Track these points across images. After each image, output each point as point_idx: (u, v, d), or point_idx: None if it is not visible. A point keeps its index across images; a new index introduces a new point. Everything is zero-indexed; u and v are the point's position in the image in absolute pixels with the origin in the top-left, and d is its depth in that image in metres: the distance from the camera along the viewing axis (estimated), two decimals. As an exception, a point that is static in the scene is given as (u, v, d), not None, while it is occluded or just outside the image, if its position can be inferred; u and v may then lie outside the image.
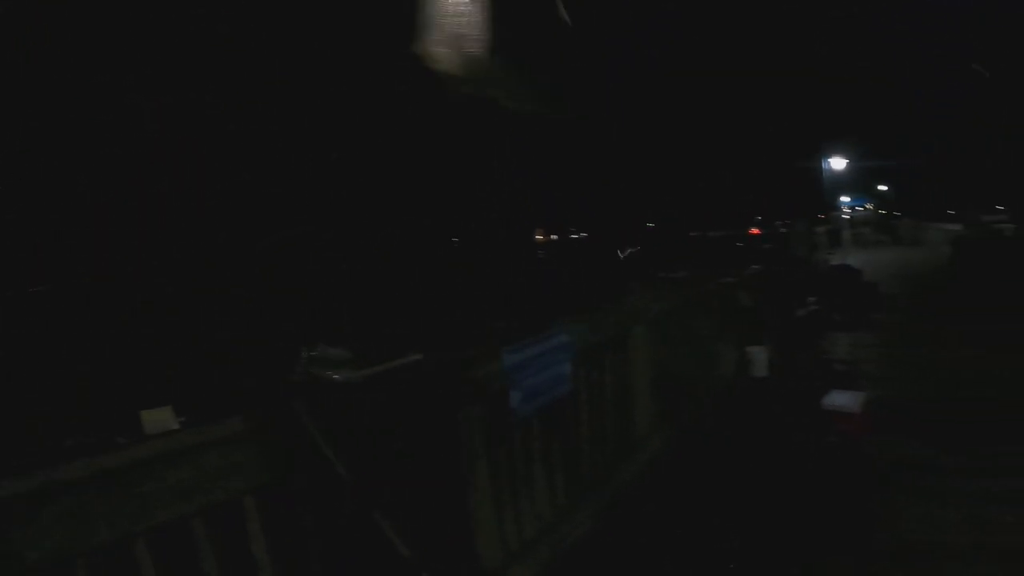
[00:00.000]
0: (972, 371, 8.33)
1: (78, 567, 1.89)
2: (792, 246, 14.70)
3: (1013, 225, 25.93)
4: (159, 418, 2.24)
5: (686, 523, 4.59)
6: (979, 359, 8.86)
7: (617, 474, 4.95)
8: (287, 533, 2.41)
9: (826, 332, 10.90)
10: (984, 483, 5.02)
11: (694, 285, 6.98)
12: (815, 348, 9.56)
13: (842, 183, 46.06)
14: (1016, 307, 11.55)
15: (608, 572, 4.15)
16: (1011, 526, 4.41)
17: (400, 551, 2.58)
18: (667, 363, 5.90)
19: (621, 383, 5.18)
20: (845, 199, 50.48)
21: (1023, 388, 7.31)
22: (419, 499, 3.00)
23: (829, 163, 42.26)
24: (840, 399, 6.05)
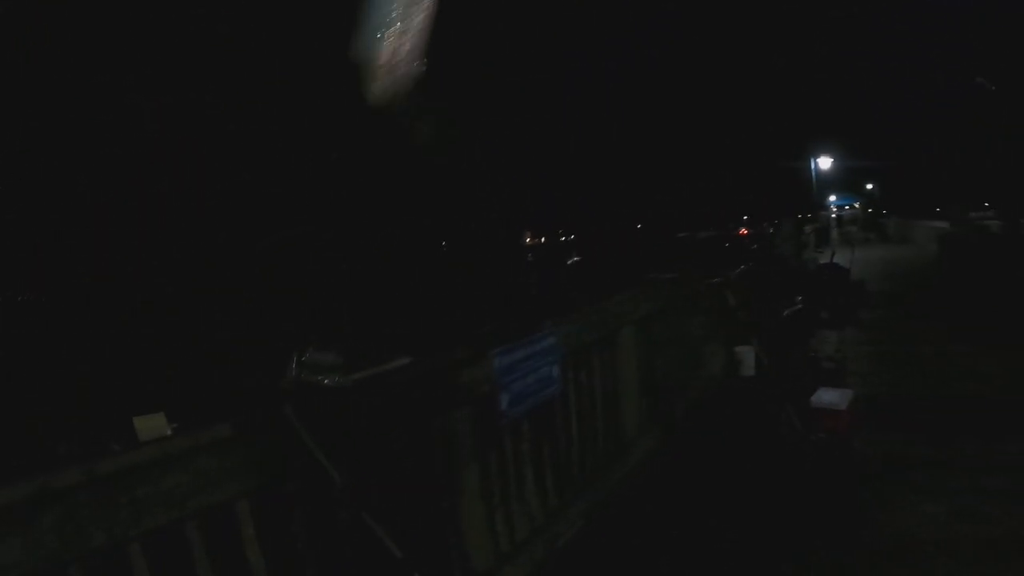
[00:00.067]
0: (959, 367, 8.39)
1: (73, 572, 1.91)
2: (779, 246, 14.74)
3: (999, 221, 26.03)
4: (152, 424, 2.26)
5: (679, 522, 4.62)
6: (966, 355, 8.92)
7: (609, 474, 4.98)
8: (281, 537, 2.44)
9: (814, 331, 10.97)
10: (972, 478, 5.07)
11: (681, 286, 7.00)
12: (803, 347, 9.61)
13: (830, 182, 46.33)
14: (1003, 303, 11.62)
15: (601, 572, 4.18)
16: (999, 520, 4.45)
17: (393, 553, 2.61)
18: (656, 364, 5.94)
19: (610, 384, 5.21)
20: (833, 198, 50.73)
21: (1010, 383, 7.38)
22: (410, 502, 3.03)
23: (817, 163, 42.48)
24: (828, 397, 6.09)
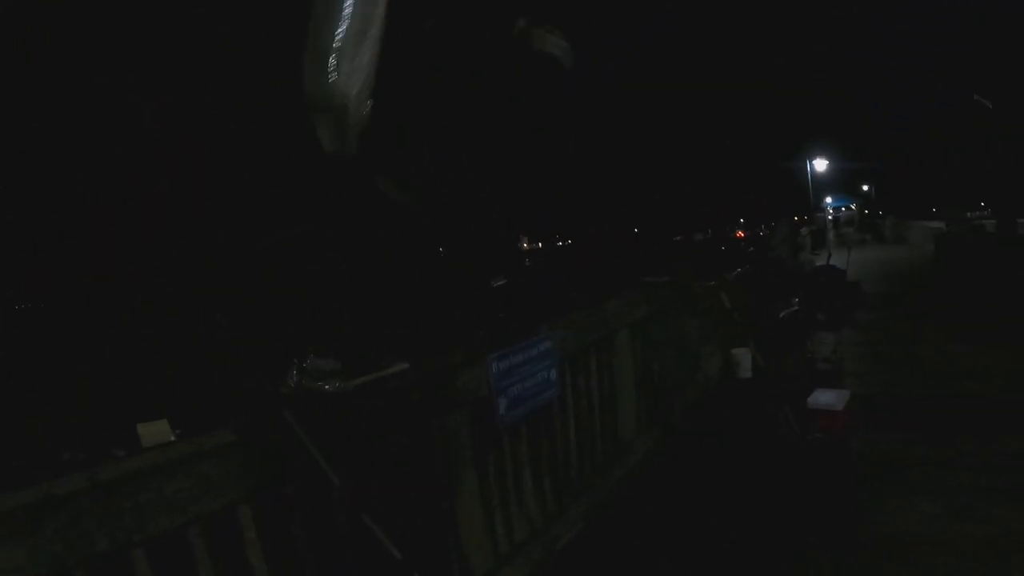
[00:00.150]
0: (957, 367, 8.41)
1: (78, 577, 1.94)
2: (775, 248, 14.78)
3: (995, 221, 26.11)
4: (155, 431, 2.28)
5: (678, 523, 4.65)
6: (964, 355, 8.94)
7: (607, 476, 5.00)
8: (282, 540, 2.46)
9: (810, 332, 10.99)
10: (970, 477, 5.08)
11: (678, 289, 7.04)
12: (800, 348, 9.64)
13: (826, 184, 46.40)
14: (999, 302, 11.67)
15: (600, 574, 4.21)
16: (997, 519, 4.47)
17: (392, 555, 2.63)
18: (653, 366, 5.96)
19: (608, 386, 5.24)
20: (829, 200, 50.79)
21: (1007, 383, 7.40)
22: (409, 504, 3.06)
23: (813, 164, 42.55)
24: (824, 398, 6.11)
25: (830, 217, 47.24)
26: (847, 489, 5.13)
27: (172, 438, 2.28)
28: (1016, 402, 6.63)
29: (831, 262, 15.31)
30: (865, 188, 62.84)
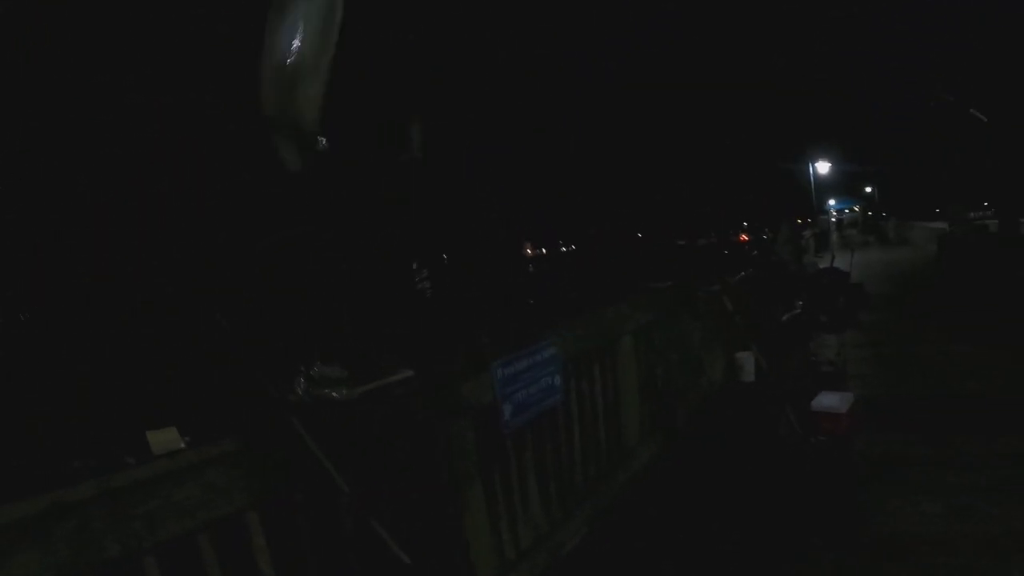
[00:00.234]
0: (959, 367, 8.42)
1: (90, 584, 1.98)
2: (778, 251, 14.79)
3: (997, 220, 26.07)
4: (165, 438, 2.32)
5: (681, 526, 4.68)
6: (966, 355, 8.95)
7: (611, 482, 5.02)
8: (290, 546, 2.50)
9: (814, 334, 11.01)
10: (971, 476, 5.10)
11: (680, 293, 7.07)
12: (803, 351, 9.66)
13: (829, 186, 46.42)
14: (1000, 302, 11.67)
15: (605, 577, 4.25)
16: (998, 518, 4.49)
17: (399, 560, 2.67)
18: (657, 371, 5.99)
19: (612, 392, 5.26)
20: (832, 202, 50.83)
21: (1009, 383, 7.42)
22: (415, 510, 3.09)
23: (815, 167, 42.60)
24: (828, 400, 6.13)
25: (833, 219, 47.25)
26: (849, 490, 5.15)
27: (182, 445, 2.32)
28: (1018, 402, 6.64)
29: (834, 264, 15.32)
30: (868, 190, 62.84)
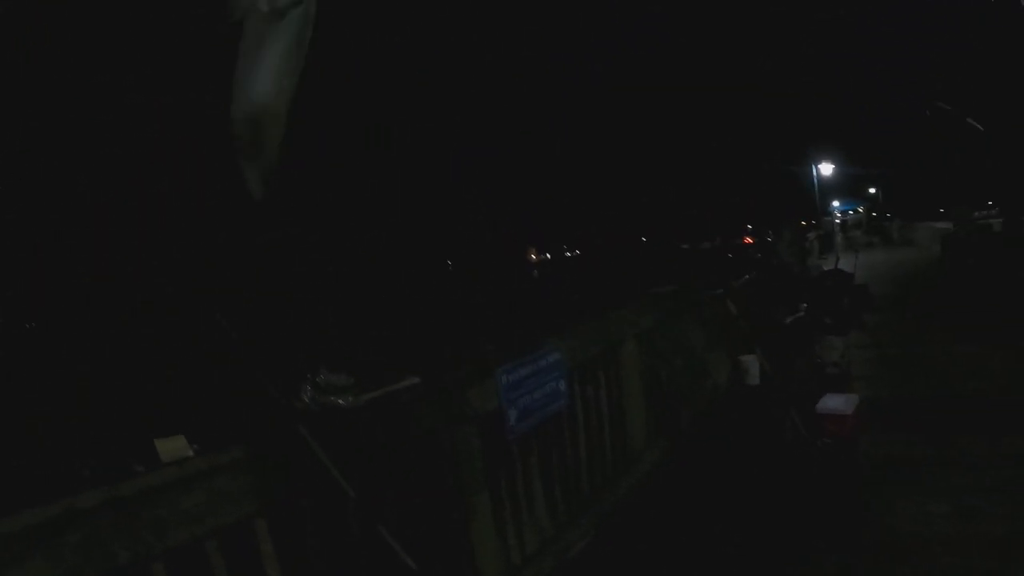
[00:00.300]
0: (963, 367, 8.43)
1: (99, 590, 2.00)
2: (780, 253, 14.76)
3: (1001, 219, 26.01)
4: (173, 446, 2.35)
5: (684, 529, 4.68)
6: (970, 355, 8.96)
7: (616, 487, 5.04)
8: (298, 552, 2.52)
9: (818, 337, 10.99)
10: (976, 477, 5.10)
11: (683, 298, 7.08)
12: (807, 353, 9.65)
13: (833, 188, 46.37)
14: (1004, 301, 11.65)
15: (610, 580, 4.26)
16: (1003, 518, 4.49)
17: (407, 566, 2.69)
18: (661, 375, 6.00)
19: (616, 397, 5.28)
20: (836, 204, 50.74)
21: (1013, 383, 7.42)
22: (421, 515, 3.11)
23: (818, 168, 42.57)
24: (833, 403, 6.13)
25: (838, 221, 47.17)
26: (854, 492, 5.16)
27: (190, 453, 2.34)
28: (1020, 402, 6.64)
29: (839, 266, 15.30)
30: (872, 191, 62.72)
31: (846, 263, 15.33)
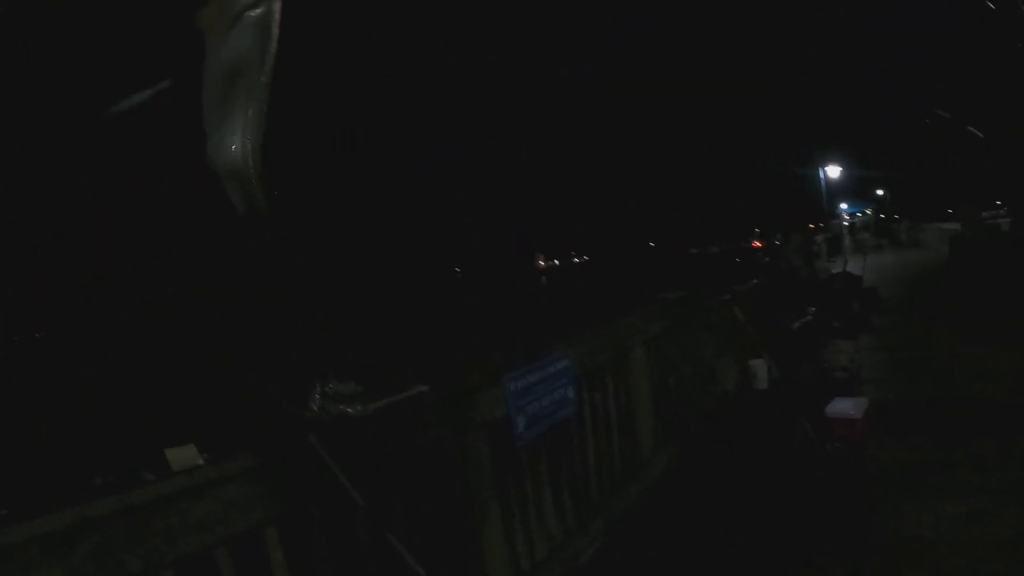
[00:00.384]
0: (971, 369, 8.42)
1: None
2: (788, 257, 14.76)
3: (1010, 220, 25.93)
4: (184, 455, 2.36)
5: (694, 535, 4.69)
6: (977, 357, 8.95)
7: (625, 493, 5.04)
8: (307, 561, 2.54)
9: (827, 340, 10.98)
10: (984, 479, 5.10)
11: (691, 303, 7.09)
12: (816, 357, 9.64)
13: (841, 190, 46.27)
14: (1011, 302, 11.62)
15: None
16: (1012, 519, 4.48)
17: (417, 573, 2.70)
18: (669, 381, 6.01)
19: (624, 403, 5.29)
20: (844, 206, 50.63)
21: (1018, 383, 7.40)
22: (430, 523, 3.13)
23: (825, 171, 42.47)
24: (842, 406, 6.13)
25: (846, 223, 47.05)
26: (862, 494, 5.16)
27: (200, 462, 2.36)
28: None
29: (847, 268, 15.29)
30: (880, 193, 62.52)
31: (855, 266, 15.31)
